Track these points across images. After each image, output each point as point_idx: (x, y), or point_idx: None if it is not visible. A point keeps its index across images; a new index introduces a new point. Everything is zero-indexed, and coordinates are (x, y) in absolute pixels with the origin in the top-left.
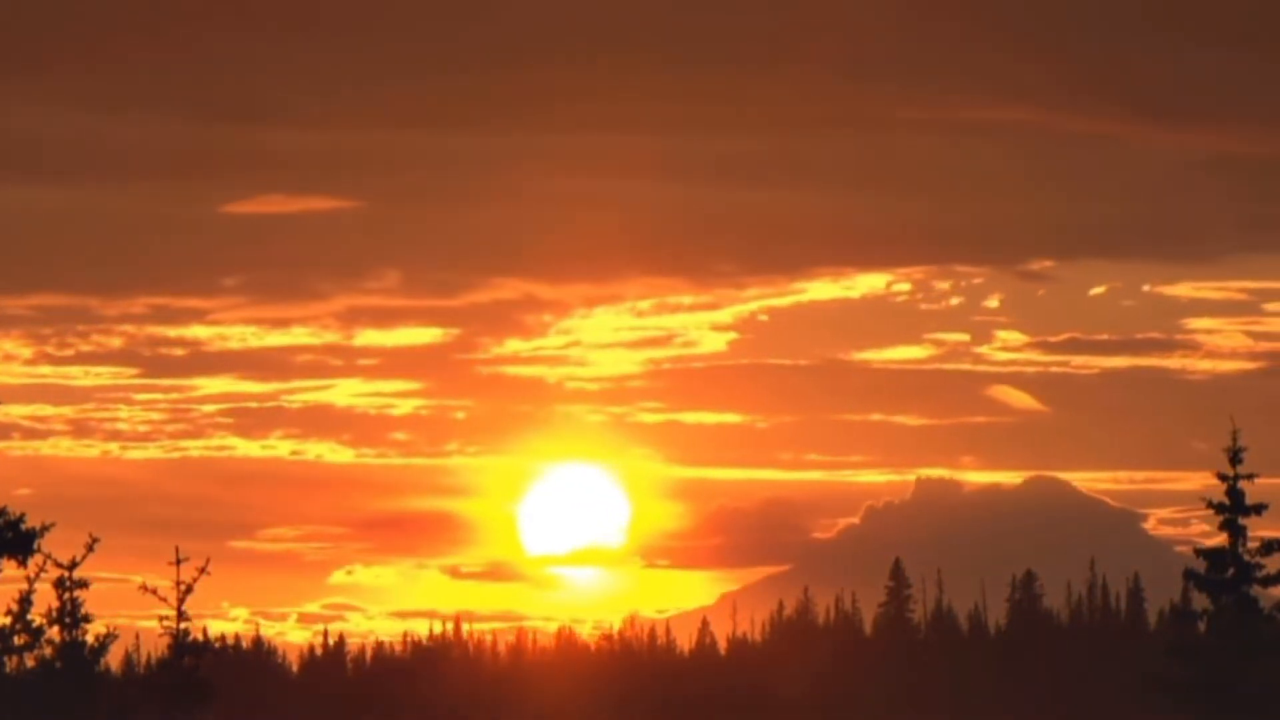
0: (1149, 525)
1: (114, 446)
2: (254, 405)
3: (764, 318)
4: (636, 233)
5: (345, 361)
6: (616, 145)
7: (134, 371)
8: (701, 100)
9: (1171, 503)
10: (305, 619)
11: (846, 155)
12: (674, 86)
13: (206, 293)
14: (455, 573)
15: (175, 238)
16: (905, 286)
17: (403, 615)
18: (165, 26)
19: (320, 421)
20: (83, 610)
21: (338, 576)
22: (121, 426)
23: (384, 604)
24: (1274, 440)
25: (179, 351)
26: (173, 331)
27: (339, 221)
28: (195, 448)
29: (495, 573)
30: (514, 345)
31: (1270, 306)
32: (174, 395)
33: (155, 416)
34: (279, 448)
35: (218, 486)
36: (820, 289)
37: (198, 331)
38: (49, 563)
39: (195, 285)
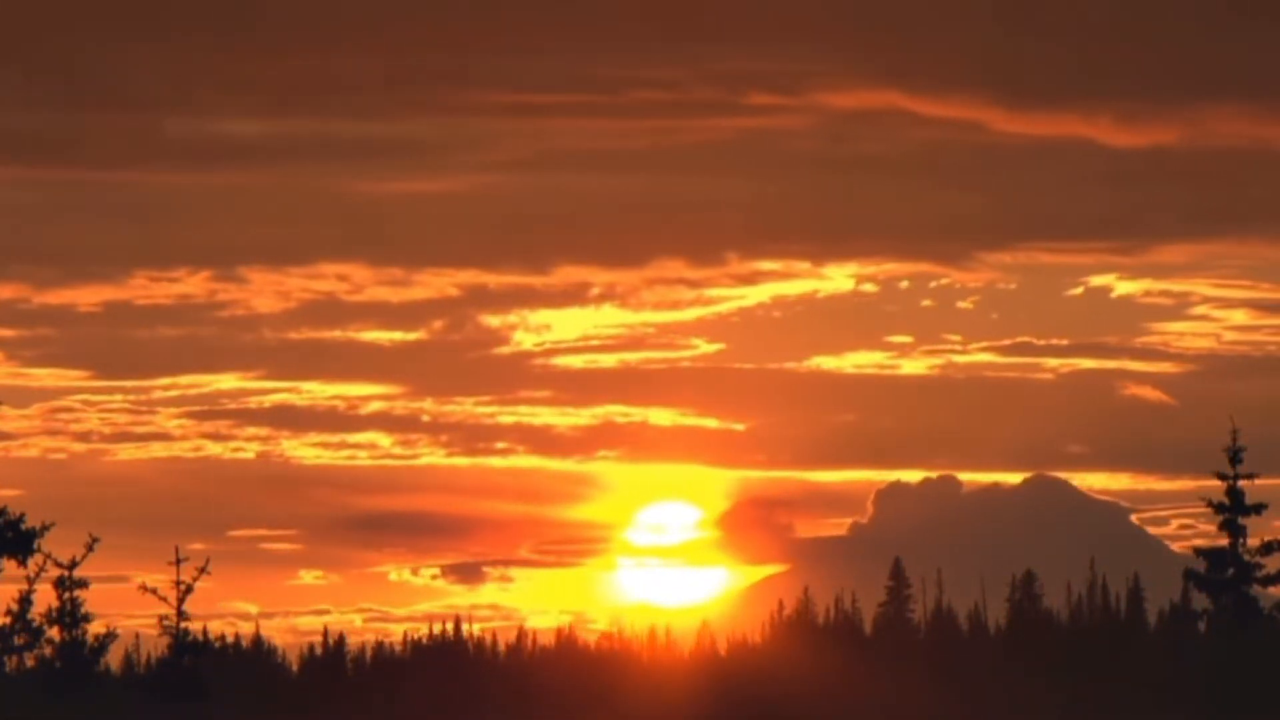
0: (1149, 525)
1: (80, 447)
2: (223, 405)
3: (735, 320)
4: (590, 228)
5: (312, 360)
6: (551, 130)
7: (88, 373)
8: (628, 86)
9: (1171, 502)
10: (266, 617)
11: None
12: (593, 69)
13: (170, 288)
14: (417, 572)
15: (131, 227)
16: (872, 288)
17: (367, 614)
18: (84, 18)
19: (287, 422)
20: (83, 610)
21: (306, 576)
22: (89, 428)
23: (349, 602)
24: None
25: (140, 351)
26: (139, 330)
27: (286, 211)
28: (165, 449)
29: (468, 573)
30: (482, 345)
31: (1198, 310)
32: (135, 396)
33: (120, 419)
34: (248, 449)
35: (204, 486)
36: (766, 290)
37: (163, 331)
38: (49, 563)
39: (157, 280)
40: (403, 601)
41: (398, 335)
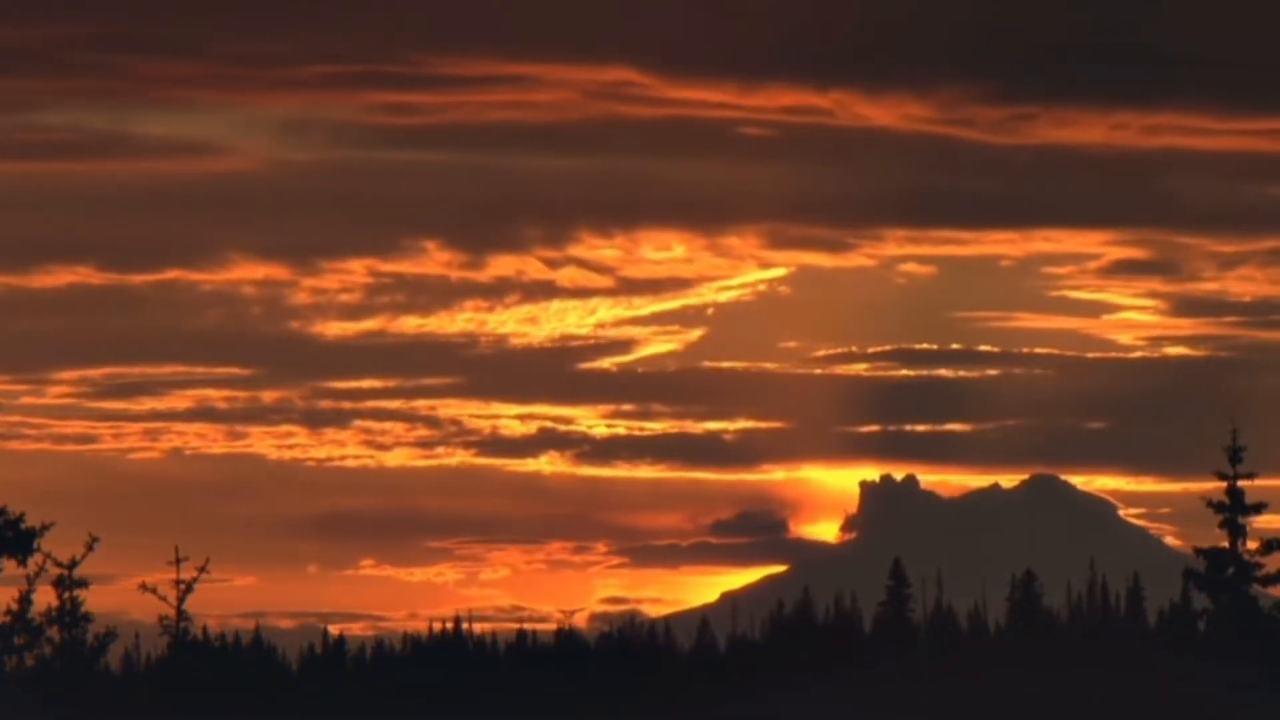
0: (1148, 524)
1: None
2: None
3: (701, 319)
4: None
5: (280, 365)
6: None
7: (10, 376)
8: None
9: (1170, 502)
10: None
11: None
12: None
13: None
14: (373, 570)
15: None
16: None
17: (363, 615)
18: None
19: (258, 422)
20: (83, 610)
21: (287, 578)
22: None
23: (340, 604)
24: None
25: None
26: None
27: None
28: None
29: (465, 572)
30: (454, 344)
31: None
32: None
33: (44, 420)
34: (194, 447)
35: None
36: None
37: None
38: (49, 562)
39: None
40: (399, 602)
41: (370, 326)
